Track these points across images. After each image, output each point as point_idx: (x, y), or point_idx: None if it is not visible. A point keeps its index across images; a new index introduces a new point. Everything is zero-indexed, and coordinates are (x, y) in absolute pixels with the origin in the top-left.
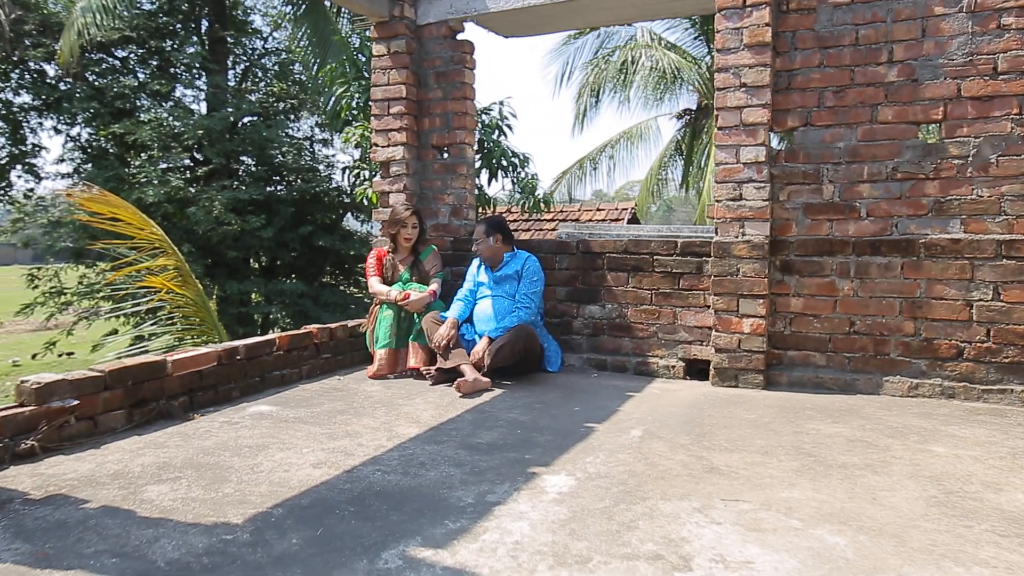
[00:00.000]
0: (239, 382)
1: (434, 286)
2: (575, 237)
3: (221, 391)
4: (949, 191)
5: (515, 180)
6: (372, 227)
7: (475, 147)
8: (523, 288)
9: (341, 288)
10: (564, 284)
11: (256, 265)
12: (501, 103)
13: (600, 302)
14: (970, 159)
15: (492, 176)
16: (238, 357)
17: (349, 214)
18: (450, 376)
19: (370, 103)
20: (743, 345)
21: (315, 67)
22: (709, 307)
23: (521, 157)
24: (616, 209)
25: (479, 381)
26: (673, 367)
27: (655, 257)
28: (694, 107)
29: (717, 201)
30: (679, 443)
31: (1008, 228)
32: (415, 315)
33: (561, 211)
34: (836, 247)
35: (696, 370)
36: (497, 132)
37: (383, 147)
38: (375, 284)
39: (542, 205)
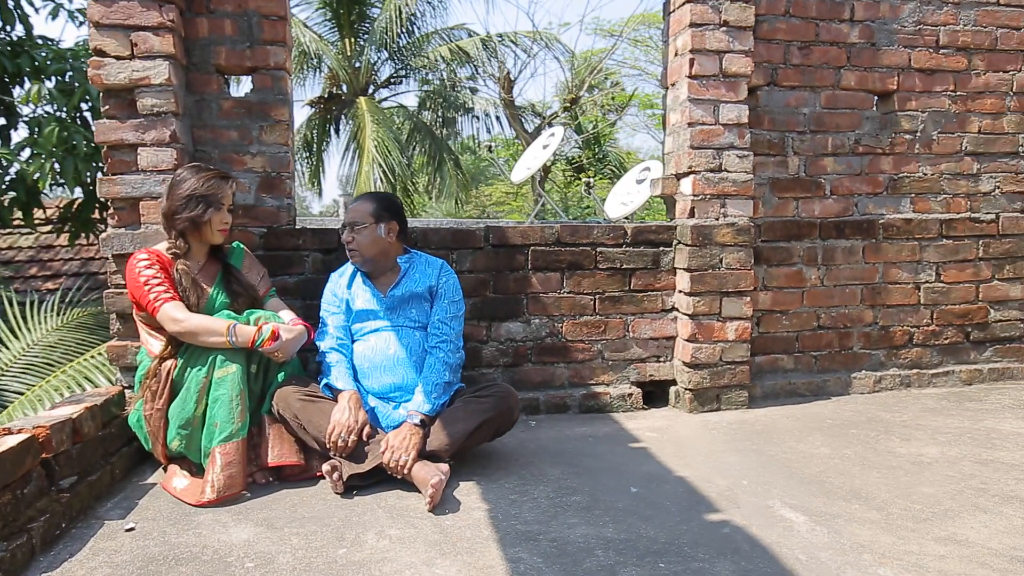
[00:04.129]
0: None
1: (289, 312)
2: (479, 225)
3: None
4: (901, 168)
5: None
6: None
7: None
8: (439, 312)
9: None
10: (467, 294)
11: None
12: None
13: (523, 316)
14: (918, 135)
15: None
16: None
17: None
18: (368, 476)
19: None
20: (726, 356)
21: None
22: (670, 311)
23: None
24: None
25: (442, 475)
26: (629, 396)
27: (598, 249)
28: (325, 95)
29: (693, 172)
30: (892, 524)
31: (946, 207)
32: (277, 369)
33: None
34: (804, 230)
35: (644, 395)
36: None
37: (121, 59)
38: (183, 315)
39: None
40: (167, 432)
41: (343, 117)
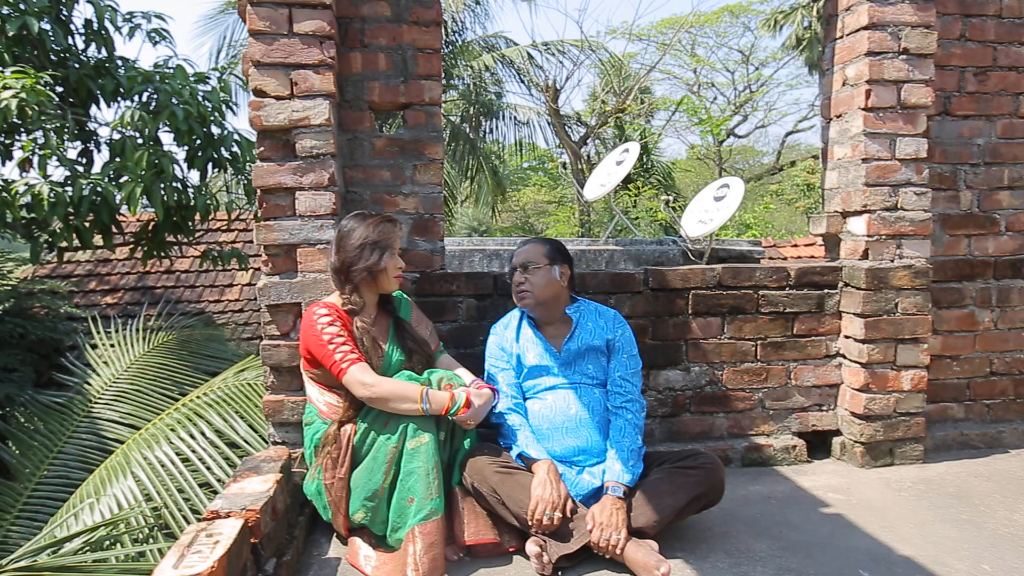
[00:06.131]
0: None
1: (466, 371)
2: (638, 265)
3: None
4: None
5: (242, 177)
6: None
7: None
8: (619, 368)
9: None
10: None
11: None
12: (222, 70)
13: (682, 364)
14: None
15: (218, 169)
16: None
17: None
18: (573, 555)
19: (249, 5)
20: (900, 407)
21: None
22: (834, 356)
23: (246, 144)
24: None
25: (667, 563)
26: (792, 448)
27: (761, 292)
28: None
29: (867, 211)
30: None
31: None
32: (462, 436)
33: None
34: (976, 269)
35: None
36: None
37: (280, 99)
38: (372, 379)
39: None
40: (349, 502)
41: None
